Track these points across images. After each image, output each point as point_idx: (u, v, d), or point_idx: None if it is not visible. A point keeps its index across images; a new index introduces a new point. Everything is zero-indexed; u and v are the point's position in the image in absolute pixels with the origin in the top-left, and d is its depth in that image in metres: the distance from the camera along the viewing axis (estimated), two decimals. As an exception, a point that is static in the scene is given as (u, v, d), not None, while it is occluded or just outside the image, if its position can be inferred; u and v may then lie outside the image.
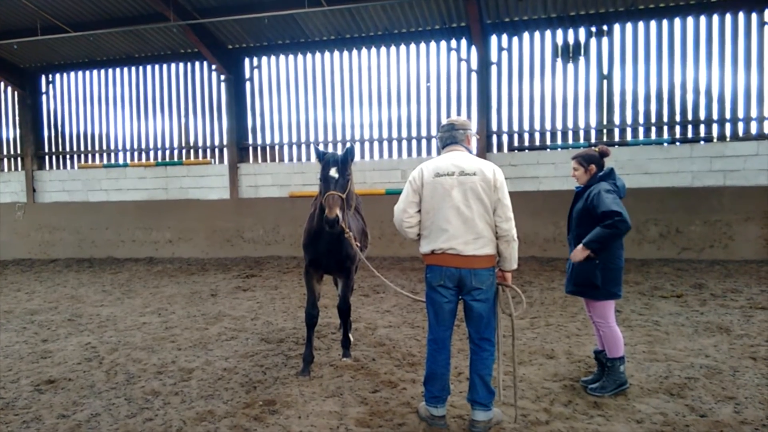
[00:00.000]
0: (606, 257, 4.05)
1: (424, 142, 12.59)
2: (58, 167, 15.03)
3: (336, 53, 13.05)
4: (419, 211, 3.68)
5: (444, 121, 3.90)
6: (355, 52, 12.93)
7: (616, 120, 11.40)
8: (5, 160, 15.38)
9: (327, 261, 4.87)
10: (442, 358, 3.66)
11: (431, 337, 3.71)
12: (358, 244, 4.78)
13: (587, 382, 4.28)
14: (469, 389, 3.65)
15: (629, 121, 11.33)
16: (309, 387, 4.42)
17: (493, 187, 3.51)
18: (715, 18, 10.79)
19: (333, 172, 4.37)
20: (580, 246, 4.06)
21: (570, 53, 11.62)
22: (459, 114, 12.33)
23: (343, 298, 5.10)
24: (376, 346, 5.57)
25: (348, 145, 4.49)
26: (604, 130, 11.49)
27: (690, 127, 11.00)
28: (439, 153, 3.91)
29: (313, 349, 4.93)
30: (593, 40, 11.49)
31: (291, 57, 13.32)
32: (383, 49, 12.74)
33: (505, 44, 11.96)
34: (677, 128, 11.07)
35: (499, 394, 3.72)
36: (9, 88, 15.06)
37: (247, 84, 13.61)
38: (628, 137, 11.36)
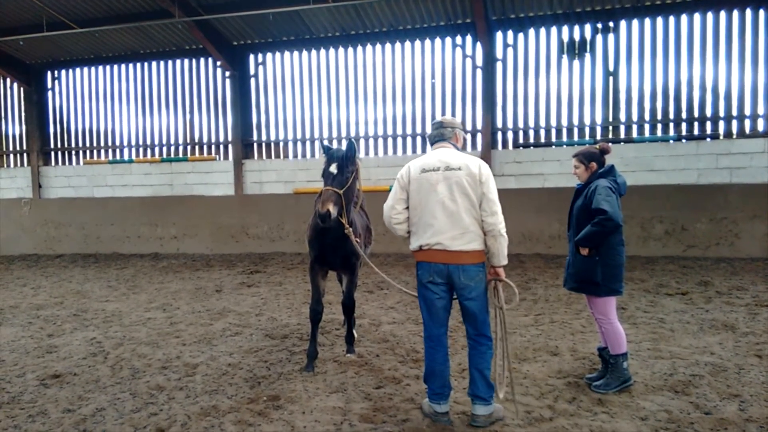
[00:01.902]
0: (606, 254, 4.06)
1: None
2: (63, 163, 15.09)
3: (341, 50, 13.04)
4: (407, 207, 3.70)
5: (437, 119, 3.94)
6: (359, 48, 12.91)
7: (622, 117, 11.34)
8: (11, 155, 15.46)
9: (332, 257, 4.86)
10: (440, 356, 3.66)
11: (426, 334, 3.71)
12: (359, 240, 4.78)
13: (591, 379, 4.28)
14: (469, 384, 3.65)
15: (635, 118, 11.28)
16: (313, 383, 4.43)
17: (478, 182, 3.50)
18: (722, 14, 10.71)
19: (332, 168, 4.42)
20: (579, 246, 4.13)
21: (576, 50, 11.56)
22: (464, 111, 12.32)
23: (347, 294, 5.10)
24: (380, 342, 5.58)
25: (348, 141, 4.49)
26: (610, 127, 11.43)
27: (696, 124, 10.95)
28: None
29: (317, 345, 4.93)
30: (599, 37, 11.42)
31: (296, 53, 13.32)
32: (388, 45, 12.72)
33: (510, 41, 11.91)
34: (683, 125, 11.02)
35: (507, 390, 3.71)
36: (15, 84, 15.12)
37: (252, 80, 13.62)
38: (634, 134, 11.30)
